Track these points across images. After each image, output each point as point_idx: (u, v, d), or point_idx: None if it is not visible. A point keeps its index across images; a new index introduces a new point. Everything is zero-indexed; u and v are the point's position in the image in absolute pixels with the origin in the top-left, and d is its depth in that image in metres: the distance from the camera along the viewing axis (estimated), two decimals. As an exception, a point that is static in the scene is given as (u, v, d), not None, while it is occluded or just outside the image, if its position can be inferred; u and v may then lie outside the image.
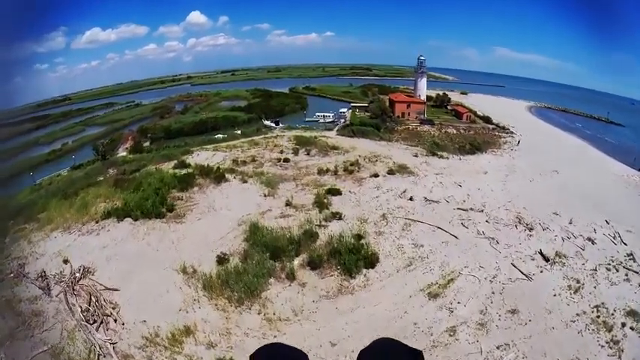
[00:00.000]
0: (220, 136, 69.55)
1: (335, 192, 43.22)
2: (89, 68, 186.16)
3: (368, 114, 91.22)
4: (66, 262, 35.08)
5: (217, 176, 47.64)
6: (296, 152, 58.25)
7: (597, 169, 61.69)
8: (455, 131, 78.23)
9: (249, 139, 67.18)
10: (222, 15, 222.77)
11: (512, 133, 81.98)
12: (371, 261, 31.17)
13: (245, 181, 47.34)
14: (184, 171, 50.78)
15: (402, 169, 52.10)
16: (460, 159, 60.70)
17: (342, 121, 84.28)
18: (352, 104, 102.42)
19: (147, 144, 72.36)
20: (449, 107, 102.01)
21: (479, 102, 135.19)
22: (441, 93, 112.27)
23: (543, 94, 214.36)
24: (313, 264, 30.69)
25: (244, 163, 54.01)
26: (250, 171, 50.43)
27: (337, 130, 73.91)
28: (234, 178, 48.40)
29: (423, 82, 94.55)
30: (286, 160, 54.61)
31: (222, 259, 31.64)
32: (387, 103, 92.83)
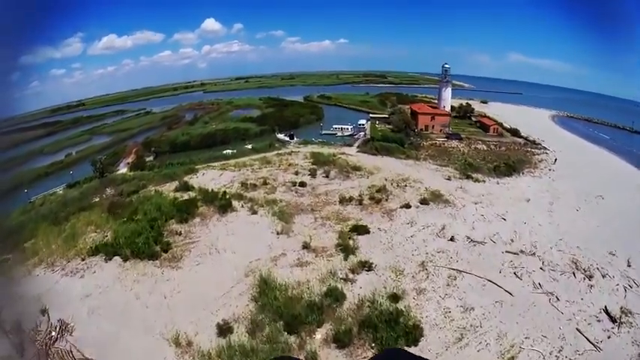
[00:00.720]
0: (229, 151, 62.71)
1: (362, 230, 35.73)
2: (105, 74, 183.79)
3: (389, 127, 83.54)
4: (44, 312, 28.67)
5: (223, 205, 40.52)
6: (313, 174, 50.79)
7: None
8: (485, 147, 70.20)
9: (261, 155, 60.07)
10: (236, 22, 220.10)
11: (544, 148, 73.70)
12: (414, 337, 23.68)
13: (255, 212, 39.98)
14: (186, 195, 43.88)
15: (436, 198, 44.34)
16: (497, 182, 52.59)
17: (362, 134, 76.93)
18: (371, 115, 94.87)
19: (150, 158, 66.05)
20: (473, 118, 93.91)
21: (501, 111, 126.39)
22: (464, 103, 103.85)
23: (561, 101, 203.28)
24: (340, 341, 23.25)
25: (254, 186, 46.74)
26: (261, 198, 43.16)
27: (358, 147, 66.34)
28: (243, 206, 41.16)
29: (447, 92, 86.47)
30: (302, 184, 47.04)
31: (224, 329, 24.39)
32: (409, 115, 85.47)
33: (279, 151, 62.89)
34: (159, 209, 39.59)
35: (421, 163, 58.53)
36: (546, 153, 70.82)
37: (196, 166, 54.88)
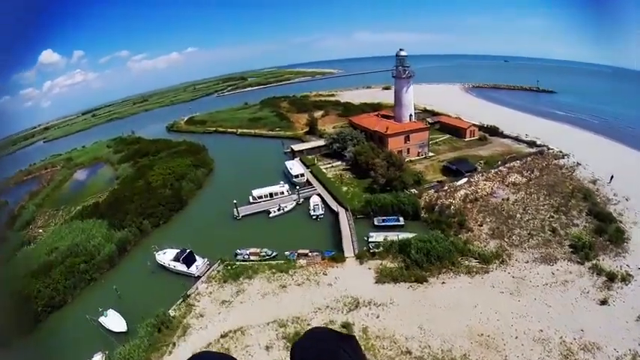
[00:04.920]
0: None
1: None
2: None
3: (341, 165, 51.64)
4: None
5: None
6: None
7: None
8: (520, 178, 45.06)
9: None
10: (76, 49, 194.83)
11: (563, 154, 53.65)
12: None
13: None
14: None
15: None
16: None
17: (318, 203, 40.53)
18: (292, 147, 60.31)
19: None
20: (428, 119, 69.02)
21: (417, 95, 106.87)
22: None
23: (441, 70, 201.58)
24: None
25: None
26: None
27: (357, 256, 30.45)
28: None
29: (410, 94, 57.62)
30: None
31: None
32: (362, 136, 54.36)
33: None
34: None
35: (520, 276, 28.90)
36: (576, 163, 50.46)
37: None
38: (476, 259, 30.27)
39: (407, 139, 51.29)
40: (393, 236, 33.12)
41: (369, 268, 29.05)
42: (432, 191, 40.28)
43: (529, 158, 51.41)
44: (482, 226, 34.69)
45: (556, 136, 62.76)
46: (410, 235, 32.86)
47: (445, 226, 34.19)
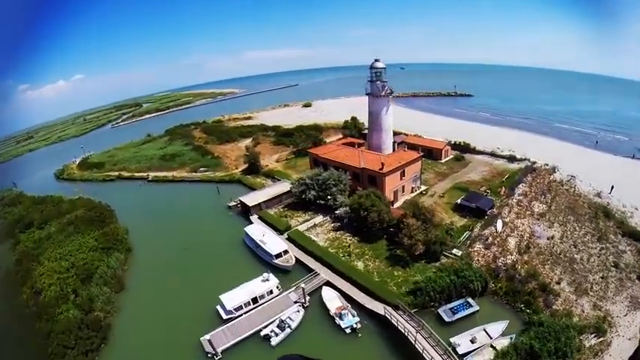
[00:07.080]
0: None
1: None
2: None
3: (325, 221, 37.81)
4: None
5: None
6: None
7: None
8: (540, 205, 39.03)
9: None
10: None
11: (552, 167, 50.53)
12: None
13: None
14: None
15: None
16: None
17: (343, 305, 27.56)
18: (243, 200, 44.85)
19: None
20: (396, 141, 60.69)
21: (342, 111, 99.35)
22: (349, 119, 69.52)
23: (342, 82, 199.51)
24: None
25: None
26: None
27: None
28: None
29: (390, 116, 47.79)
30: None
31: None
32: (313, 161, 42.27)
33: None
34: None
35: (633, 336, 21.54)
36: (572, 176, 47.31)
37: None
38: (592, 333, 22.50)
39: (402, 175, 41.94)
40: (478, 333, 23.14)
41: None
42: (480, 247, 31.49)
43: (529, 178, 46.64)
44: (559, 283, 27.18)
45: (517, 143, 60.95)
46: (500, 326, 23.41)
47: (530, 298, 25.58)
